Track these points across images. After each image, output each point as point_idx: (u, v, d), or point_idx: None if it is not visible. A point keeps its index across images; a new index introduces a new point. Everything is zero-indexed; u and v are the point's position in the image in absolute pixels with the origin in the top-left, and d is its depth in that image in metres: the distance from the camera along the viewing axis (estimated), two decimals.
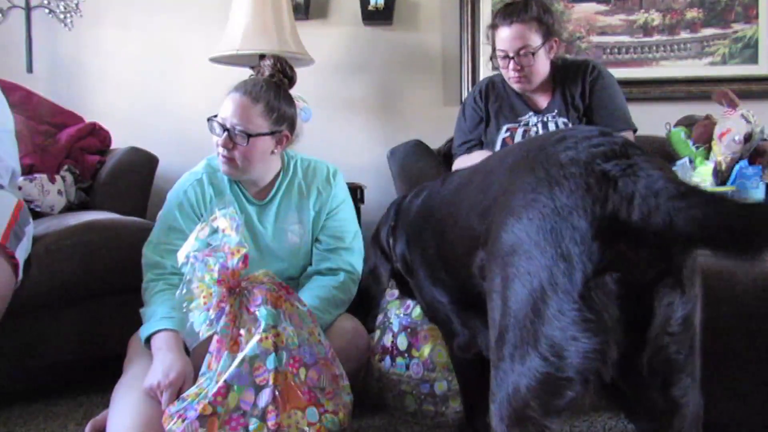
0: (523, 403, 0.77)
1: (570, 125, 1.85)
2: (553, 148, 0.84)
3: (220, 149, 1.53)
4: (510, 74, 1.87)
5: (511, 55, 1.82)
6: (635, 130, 1.91)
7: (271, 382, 1.19)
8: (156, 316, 1.42)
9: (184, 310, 1.28)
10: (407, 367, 1.55)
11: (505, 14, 1.85)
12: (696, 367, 0.84)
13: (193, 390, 1.24)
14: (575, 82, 1.89)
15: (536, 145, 0.90)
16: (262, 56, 1.89)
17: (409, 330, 1.58)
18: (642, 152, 0.80)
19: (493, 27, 1.89)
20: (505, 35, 1.83)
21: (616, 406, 0.96)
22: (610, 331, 0.73)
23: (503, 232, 0.84)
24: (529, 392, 0.76)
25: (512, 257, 0.81)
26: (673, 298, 0.77)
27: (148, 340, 1.42)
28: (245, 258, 1.26)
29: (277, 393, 1.19)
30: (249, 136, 1.51)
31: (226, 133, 1.51)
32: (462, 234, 1.07)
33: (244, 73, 1.94)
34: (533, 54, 1.81)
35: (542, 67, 1.86)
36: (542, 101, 1.94)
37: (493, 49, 1.92)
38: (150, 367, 1.33)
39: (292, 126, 1.63)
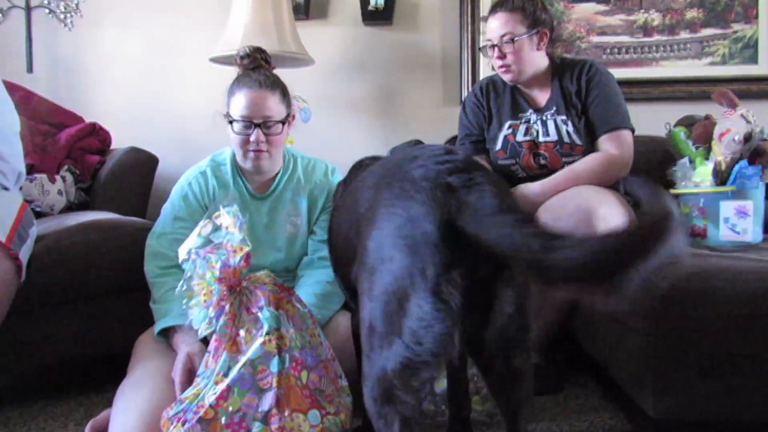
0: (389, 384, 0.90)
1: (570, 123, 1.86)
2: (407, 165, 0.98)
3: (253, 145, 1.57)
4: (496, 63, 1.91)
5: (495, 42, 1.87)
6: (633, 130, 1.91)
7: (274, 385, 1.19)
8: (173, 313, 1.45)
9: (184, 307, 1.28)
10: None
11: (493, 5, 1.93)
12: (529, 344, 1.00)
13: (190, 391, 1.23)
14: (573, 80, 1.89)
15: (393, 164, 1.04)
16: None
17: None
18: (483, 170, 0.93)
19: (485, 20, 1.95)
20: (491, 24, 1.89)
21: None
22: (456, 317, 0.86)
23: (368, 241, 0.98)
24: (394, 374, 0.89)
25: (377, 263, 0.94)
26: (509, 287, 0.91)
27: (161, 333, 1.46)
28: (247, 257, 1.26)
29: (280, 396, 1.19)
30: (283, 123, 1.60)
31: (257, 129, 1.56)
32: (346, 245, 1.20)
33: None
34: (514, 41, 1.84)
35: (529, 57, 1.88)
36: (541, 99, 1.94)
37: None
38: (155, 366, 1.36)
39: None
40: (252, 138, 1.57)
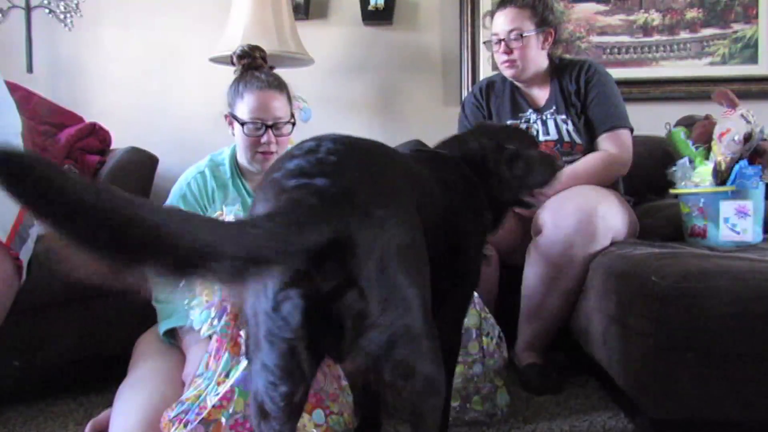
0: (261, 400, 0.87)
1: (570, 122, 1.87)
2: (276, 174, 0.85)
3: (264, 147, 1.58)
4: (501, 58, 1.90)
5: (502, 37, 1.87)
6: (632, 130, 1.91)
7: None
8: (179, 313, 1.45)
9: (185, 308, 1.28)
10: None
11: (502, 0, 1.92)
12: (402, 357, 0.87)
13: (191, 392, 1.23)
14: (572, 80, 1.90)
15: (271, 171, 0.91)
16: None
17: None
18: (335, 170, 0.81)
19: (491, 14, 1.94)
20: (499, 19, 1.89)
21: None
22: (297, 333, 0.80)
23: None
24: (262, 391, 0.86)
25: None
26: (355, 301, 0.80)
27: (167, 333, 1.46)
28: None
29: None
30: (293, 124, 1.62)
31: (268, 131, 1.57)
32: None
33: None
34: (523, 37, 1.85)
35: (534, 55, 1.89)
36: (540, 99, 1.94)
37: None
38: (156, 366, 1.35)
39: None
40: (264, 140, 1.57)
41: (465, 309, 1.29)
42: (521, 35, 1.85)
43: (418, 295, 0.85)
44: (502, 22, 1.88)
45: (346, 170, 0.83)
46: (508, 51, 1.87)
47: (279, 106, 1.58)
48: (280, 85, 1.61)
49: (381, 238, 0.79)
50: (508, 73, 1.92)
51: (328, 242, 0.72)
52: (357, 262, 0.77)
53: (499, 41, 1.88)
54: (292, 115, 1.65)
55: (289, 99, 1.64)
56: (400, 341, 0.84)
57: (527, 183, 1.32)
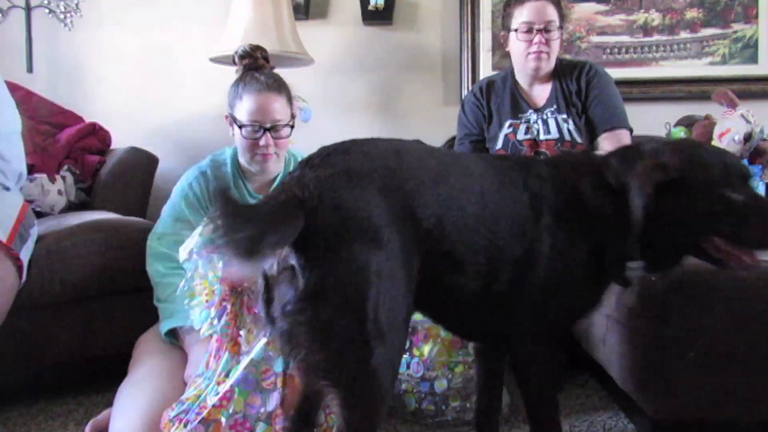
0: None
1: (570, 121, 1.88)
2: None
3: (262, 150, 1.57)
4: (532, 49, 1.86)
5: (539, 27, 1.85)
6: (631, 130, 1.92)
7: (279, 385, 1.19)
8: (181, 313, 1.44)
9: (186, 307, 1.28)
10: (407, 366, 1.55)
11: None
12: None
13: (191, 392, 1.23)
14: (573, 80, 1.90)
15: None
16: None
17: (409, 329, 1.58)
18: (321, 162, 0.96)
19: (517, 3, 1.90)
20: (534, 8, 1.86)
21: None
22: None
23: None
24: None
25: None
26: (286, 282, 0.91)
27: (168, 333, 1.46)
28: None
29: (285, 396, 1.19)
30: (292, 127, 1.61)
31: (266, 134, 1.56)
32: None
33: None
34: (560, 29, 1.87)
35: (557, 49, 1.90)
36: (541, 99, 1.94)
37: (504, 26, 1.95)
38: (156, 366, 1.35)
39: None
40: (262, 143, 1.56)
41: (542, 324, 1.09)
42: (558, 27, 1.86)
43: None
44: (537, 11, 1.85)
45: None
46: (545, 41, 1.85)
47: (277, 108, 1.56)
48: (280, 87, 1.59)
49: None
50: (534, 65, 1.88)
51: None
52: None
53: (534, 30, 1.85)
54: (293, 116, 1.64)
55: (290, 100, 1.63)
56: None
57: (733, 236, 1.02)
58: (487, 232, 1.01)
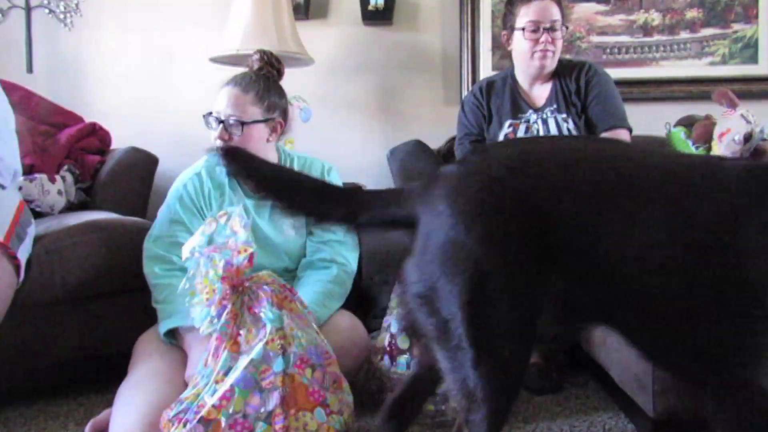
0: None
1: (570, 121, 1.88)
2: None
3: (217, 142, 1.56)
4: (539, 47, 1.87)
5: (547, 25, 1.86)
6: (631, 130, 1.92)
7: (278, 384, 1.19)
8: (180, 313, 1.44)
9: (186, 305, 1.28)
10: (408, 366, 1.55)
11: None
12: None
13: (190, 391, 1.23)
14: (572, 80, 1.91)
15: None
16: None
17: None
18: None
19: (522, 2, 1.90)
20: (540, 7, 1.87)
21: None
22: None
23: None
24: None
25: None
26: None
27: (167, 333, 1.46)
28: (251, 257, 1.26)
29: (285, 395, 1.19)
30: (243, 124, 1.57)
31: (221, 125, 1.56)
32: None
33: None
34: (560, 29, 1.88)
35: (560, 48, 1.92)
36: (540, 99, 1.95)
37: (506, 26, 1.96)
38: (156, 366, 1.36)
39: (284, 114, 1.68)
40: (215, 135, 1.58)
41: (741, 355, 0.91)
42: (565, 26, 1.89)
43: None
44: (543, 10, 1.86)
45: None
46: (552, 40, 1.86)
47: (234, 104, 1.57)
48: (247, 88, 1.60)
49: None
50: (540, 63, 1.88)
51: None
52: None
53: (541, 29, 1.86)
54: (267, 120, 1.61)
55: (259, 102, 1.60)
56: None
57: None
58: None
